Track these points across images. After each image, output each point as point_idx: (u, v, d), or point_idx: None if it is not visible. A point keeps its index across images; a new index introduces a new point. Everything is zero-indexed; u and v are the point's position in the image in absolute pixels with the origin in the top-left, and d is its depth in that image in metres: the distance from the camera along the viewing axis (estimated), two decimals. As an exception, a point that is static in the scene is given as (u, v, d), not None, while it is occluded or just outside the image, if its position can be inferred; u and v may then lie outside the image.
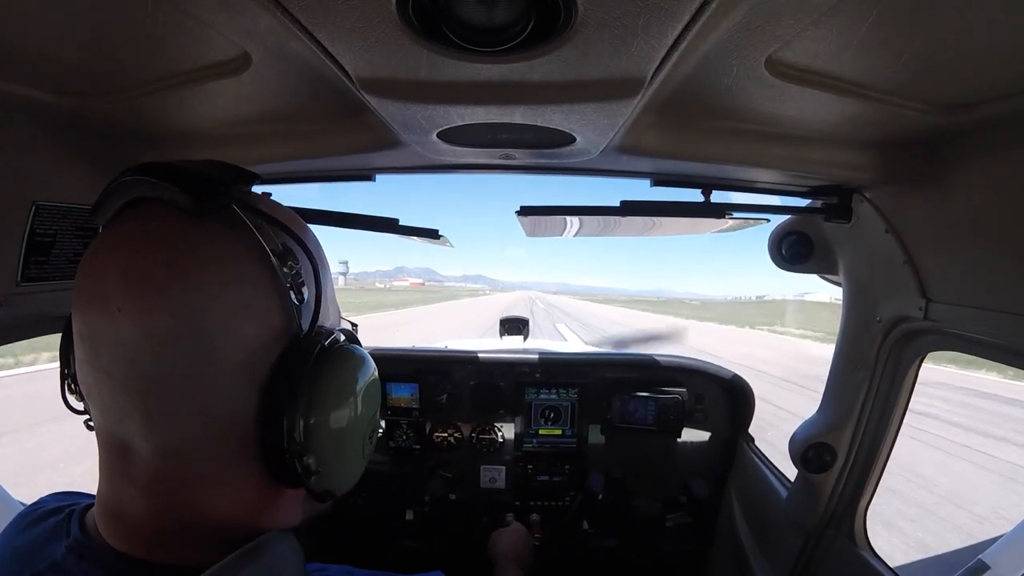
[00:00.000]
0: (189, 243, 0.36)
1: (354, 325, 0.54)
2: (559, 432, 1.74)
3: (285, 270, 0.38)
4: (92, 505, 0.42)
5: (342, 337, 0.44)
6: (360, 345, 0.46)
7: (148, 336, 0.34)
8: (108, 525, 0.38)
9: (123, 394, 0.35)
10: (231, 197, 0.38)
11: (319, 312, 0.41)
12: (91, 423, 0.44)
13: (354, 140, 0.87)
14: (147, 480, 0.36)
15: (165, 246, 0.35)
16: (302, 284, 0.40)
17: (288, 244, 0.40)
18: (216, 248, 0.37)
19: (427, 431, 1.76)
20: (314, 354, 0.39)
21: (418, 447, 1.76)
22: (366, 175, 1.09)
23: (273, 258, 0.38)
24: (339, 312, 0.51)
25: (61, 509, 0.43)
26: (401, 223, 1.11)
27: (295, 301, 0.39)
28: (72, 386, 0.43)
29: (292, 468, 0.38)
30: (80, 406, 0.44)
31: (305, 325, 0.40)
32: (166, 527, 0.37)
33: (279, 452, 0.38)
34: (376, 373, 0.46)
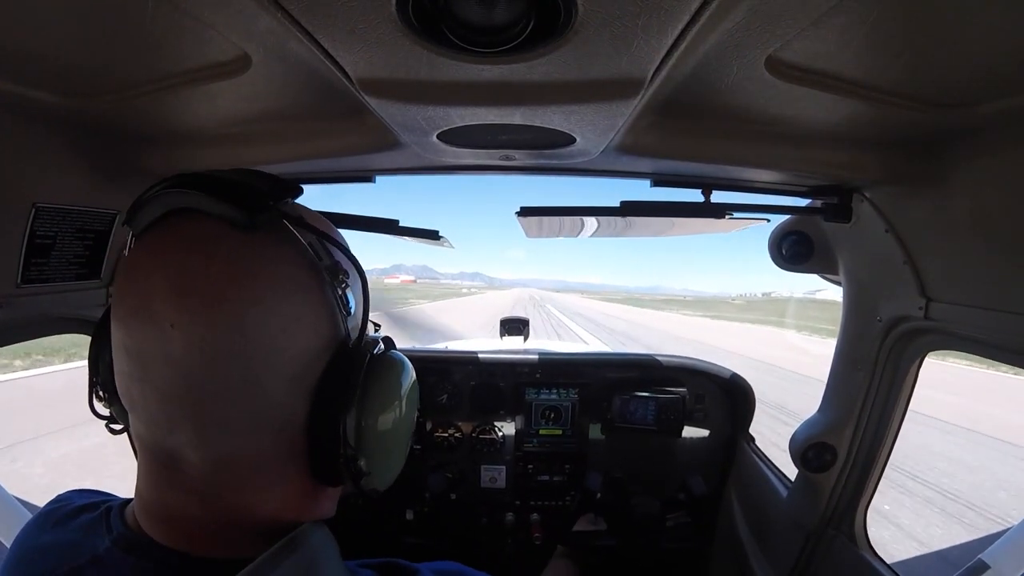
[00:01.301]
0: (243, 258, 0.36)
1: (377, 326, 0.55)
2: (559, 432, 1.74)
3: (335, 282, 0.40)
4: (128, 502, 0.42)
5: (383, 345, 0.46)
6: (398, 350, 0.47)
7: (203, 352, 0.34)
8: (152, 524, 0.39)
9: (174, 407, 0.35)
10: (281, 210, 0.39)
11: (367, 322, 0.43)
12: (114, 427, 0.45)
13: (354, 141, 0.87)
14: (197, 486, 0.37)
15: (217, 260, 0.35)
16: (349, 295, 0.41)
17: (336, 256, 0.41)
18: (269, 262, 0.37)
19: (427, 431, 1.76)
20: (366, 363, 0.40)
21: (418, 447, 1.76)
22: (366, 176, 1.09)
23: (324, 271, 0.39)
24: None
25: (95, 505, 0.43)
26: (401, 224, 1.11)
27: (343, 312, 0.40)
28: (100, 393, 0.43)
29: (344, 470, 0.40)
30: (106, 412, 0.45)
31: (352, 334, 0.42)
32: (214, 526, 0.38)
33: (332, 456, 0.39)
34: (415, 377, 0.48)
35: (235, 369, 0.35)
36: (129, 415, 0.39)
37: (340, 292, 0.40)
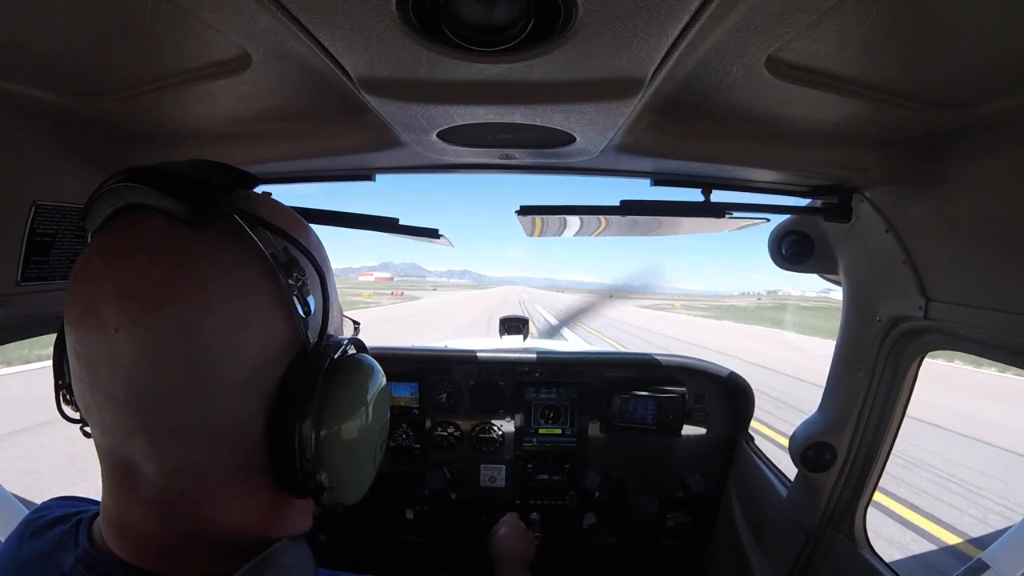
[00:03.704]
0: (188, 257, 0.34)
1: (356, 323, 0.53)
2: (559, 431, 1.74)
3: (290, 281, 0.37)
4: (98, 514, 0.41)
5: (351, 348, 0.43)
6: (368, 352, 0.45)
7: (148, 357, 0.32)
8: (115, 539, 0.37)
9: (125, 415, 0.33)
10: (230, 204, 0.36)
11: (327, 323, 0.39)
12: (88, 430, 0.43)
13: (354, 140, 0.87)
14: (154, 498, 0.35)
15: (162, 260, 0.33)
16: (307, 294, 0.38)
17: (292, 252, 0.38)
18: (216, 261, 0.35)
19: (427, 430, 1.77)
20: (324, 368, 0.38)
21: (418, 446, 1.77)
22: (366, 175, 1.09)
23: (277, 269, 0.36)
24: (342, 314, 0.50)
25: (68, 517, 0.42)
26: (401, 223, 1.11)
27: (301, 313, 0.37)
28: (68, 396, 0.41)
29: (304, 485, 0.37)
30: (76, 415, 0.43)
31: (312, 336, 0.39)
32: (175, 541, 0.36)
33: (290, 469, 0.37)
34: (385, 381, 0.45)
35: (183, 375, 0.33)
36: (88, 422, 0.37)
37: (296, 291, 0.37)
